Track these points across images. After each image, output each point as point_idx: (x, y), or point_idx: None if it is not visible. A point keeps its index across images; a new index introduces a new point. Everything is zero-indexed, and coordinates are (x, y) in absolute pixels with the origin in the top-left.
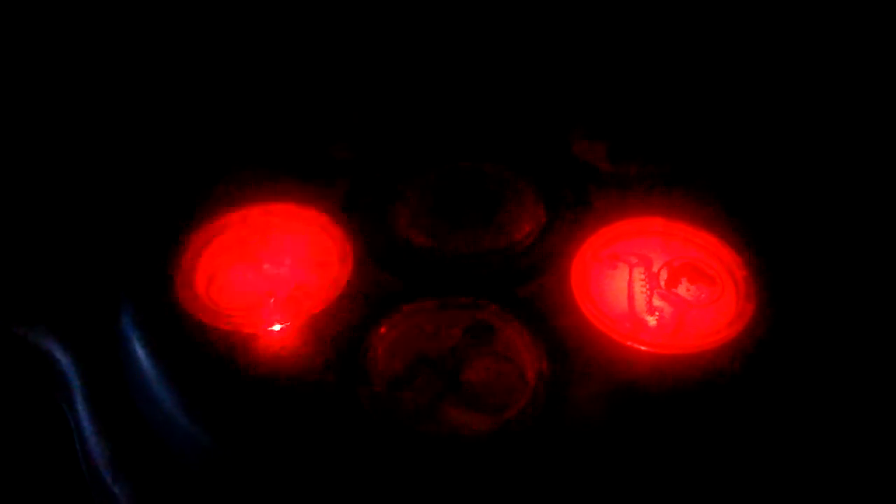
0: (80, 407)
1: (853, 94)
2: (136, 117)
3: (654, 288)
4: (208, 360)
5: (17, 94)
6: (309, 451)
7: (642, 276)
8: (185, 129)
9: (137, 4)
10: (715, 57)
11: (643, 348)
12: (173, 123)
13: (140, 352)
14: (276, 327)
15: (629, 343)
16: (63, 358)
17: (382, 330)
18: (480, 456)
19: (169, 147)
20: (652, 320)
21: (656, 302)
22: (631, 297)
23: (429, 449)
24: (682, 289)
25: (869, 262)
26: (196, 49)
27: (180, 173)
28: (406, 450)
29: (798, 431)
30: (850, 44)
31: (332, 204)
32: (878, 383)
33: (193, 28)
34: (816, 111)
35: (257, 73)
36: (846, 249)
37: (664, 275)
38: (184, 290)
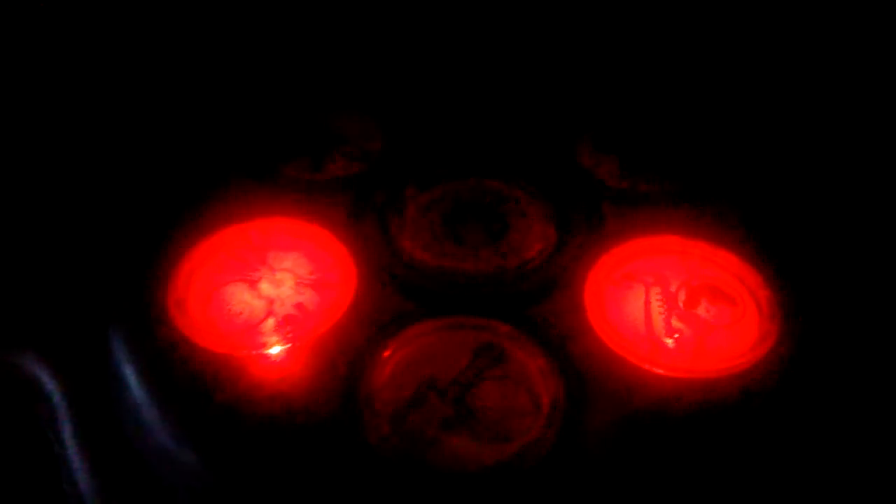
0: (68, 435)
1: (873, 111)
2: (127, 132)
3: (672, 309)
4: (202, 385)
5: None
6: (306, 483)
7: (659, 297)
8: (179, 142)
9: (129, 18)
10: (731, 71)
11: (663, 372)
12: (166, 137)
13: (130, 377)
14: (275, 350)
15: (647, 367)
16: (50, 384)
17: (387, 353)
18: (491, 490)
19: (162, 162)
20: (671, 343)
21: (675, 323)
22: (648, 319)
23: (435, 483)
24: (702, 310)
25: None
26: (190, 62)
27: (173, 188)
28: (411, 484)
29: (826, 459)
30: (871, 61)
31: (334, 219)
32: None
33: (188, 40)
34: (836, 127)
35: (255, 84)
36: (871, 265)
37: (682, 295)
38: (177, 311)
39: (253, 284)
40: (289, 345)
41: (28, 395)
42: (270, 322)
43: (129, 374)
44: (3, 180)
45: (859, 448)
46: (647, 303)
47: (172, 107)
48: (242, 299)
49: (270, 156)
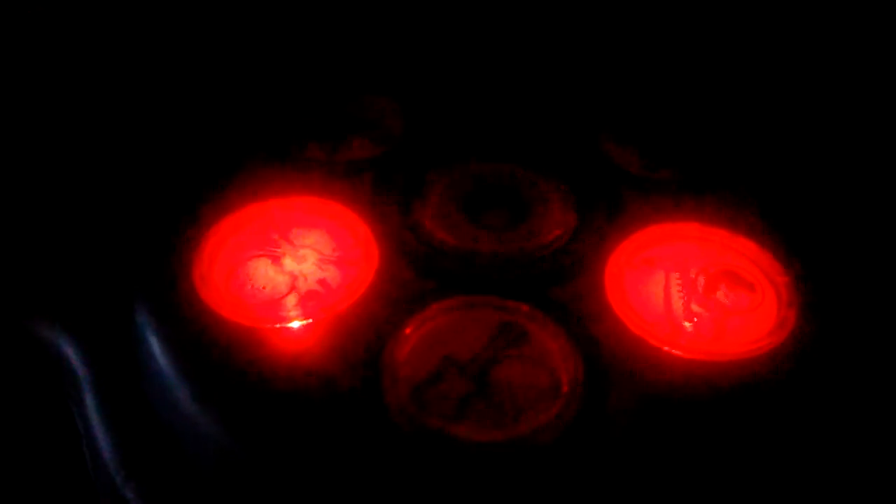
0: (91, 406)
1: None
2: (155, 109)
3: (691, 293)
4: (226, 356)
5: (30, 88)
6: (328, 454)
7: (679, 282)
8: (206, 120)
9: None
10: (752, 61)
11: (681, 354)
12: (193, 115)
13: (156, 347)
14: (297, 324)
15: (666, 348)
16: (74, 356)
17: (408, 330)
18: (509, 465)
19: (188, 139)
20: (690, 326)
21: (694, 308)
22: (668, 303)
23: (453, 454)
24: (721, 295)
25: None
26: (215, 40)
27: (200, 165)
28: (429, 455)
29: (841, 441)
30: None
31: (357, 198)
32: None
33: (212, 21)
34: (857, 114)
35: (280, 67)
36: (890, 255)
37: (702, 281)
38: (202, 284)
39: (276, 260)
40: (310, 319)
41: (52, 367)
42: (293, 297)
43: (155, 345)
44: (31, 155)
45: (873, 436)
46: (667, 287)
47: (201, 87)
48: (266, 274)
49: (295, 137)
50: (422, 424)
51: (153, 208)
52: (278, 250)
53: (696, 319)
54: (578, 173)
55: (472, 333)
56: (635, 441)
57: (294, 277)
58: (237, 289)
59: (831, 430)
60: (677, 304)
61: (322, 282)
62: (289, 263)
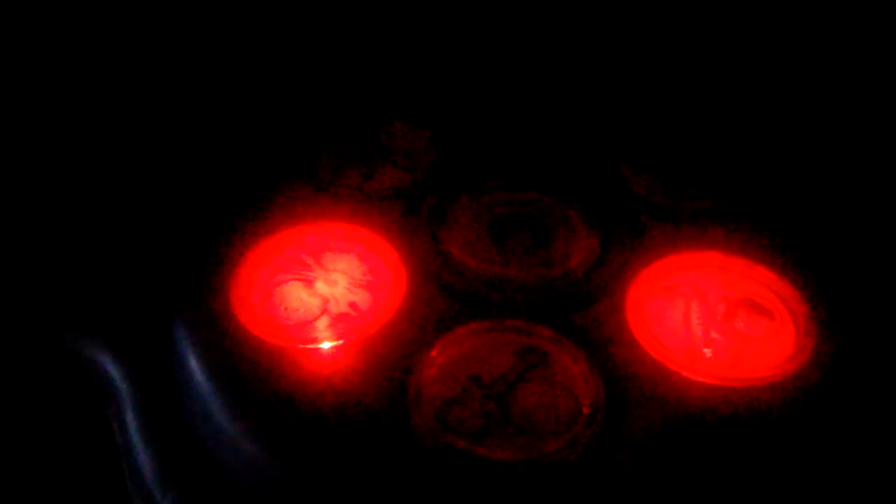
0: (131, 421)
1: None
2: (197, 132)
3: (710, 321)
4: (261, 375)
5: (74, 105)
6: (357, 471)
7: (698, 309)
8: (244, 147)
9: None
10: (773, 93)
11: (700, 379)
12: (233, 140)
13: (194, 366)
14: (328, 345)
15: (686, 374)
16: (115, 372)
17: (434, 352)
18: (531, 485)
19: (228, 164)
20: (709, 353)
21: (713, 335)
22: (688, 329)
23: (476, 473)
24: (740, 322)
25: None
26: (254, 68)
27: (238, 189)
28: (452, 472)
29: (857, 467)
30: None
31: (387, 225)
32: None
33: (251, 49)
34: (873, 149)
35: (313, 92)
36: None
37: (721, 308)
38: (239, 304)
39: (309, 284)
40: (341, 341)
41: (94, 384)
42: (325, 319)
43: (193, 363)
44: (78, 176)
45: (888, 463)
46: (687, 314)
47: (242, 115)
48: (299, 297)
49: (328, 165)
50: (446, 444)
51: (192, 231)
52: (311, 274)
53: (715, 347)
54: (602, 202)
55: (496, 356)
56: (654, 463)
57: (326, 300)
58: (271, 310)
59: (846, 456)
60: (697, 330)
61: (353, 305)
62: (321, 287)
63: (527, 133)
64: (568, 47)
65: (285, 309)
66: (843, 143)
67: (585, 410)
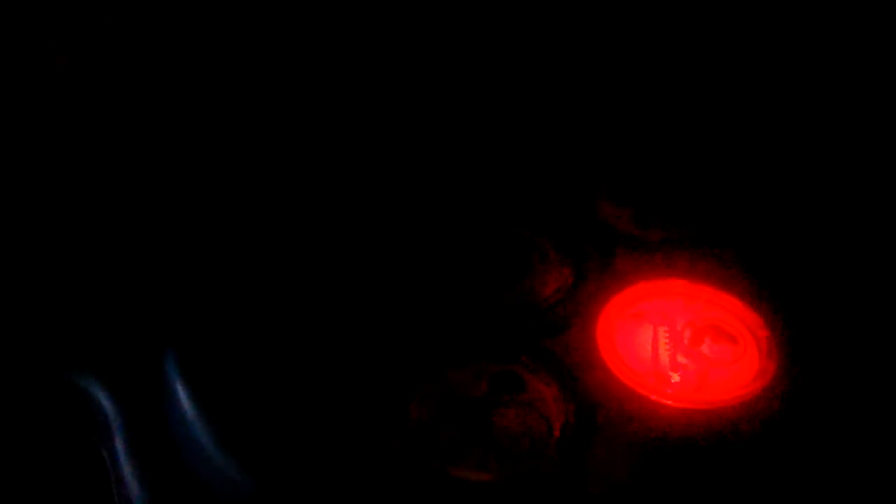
0: (121, 449)
1: (875, 163)
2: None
3: (677, 346)
4: (248, 403)
5: (79, 135)
6: (340, 495)
7: (666, 335)
8: None
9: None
10: (738, 123)
11: (668, 403)
12: None
13: (181, 393)
14: None
15: (654, 397)
16: (105, 401)
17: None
18: (508, 501)
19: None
20: (676, 376)
21: (680, 359)
22: (655, 354)
23: (454, 492)
24: (706, 347)
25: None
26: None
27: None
28: (433, 495)
29: (819, 484)
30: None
31: None
32: None
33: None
34: (838, 175)
35: None
36: (868, 310)
37: (688, 334)
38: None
39: None
40: None
41: (84, 412)
42: None
43: (180, 391)
44: (70, 202)
45: (850, 473)
46: (655, 340)
47: None
48: None
49: None
50: (426, 465)
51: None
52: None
53: (681, 371)
54: (573, 233)
55: (474, 381)
56: (624, 484)
57: None
58: None
59: (809, 473)
60: (664, 355)
61: None
62: None
63: (500, 166)
64: (540, 80)
65: None
66: (806, 173)
67: (556, 434)
